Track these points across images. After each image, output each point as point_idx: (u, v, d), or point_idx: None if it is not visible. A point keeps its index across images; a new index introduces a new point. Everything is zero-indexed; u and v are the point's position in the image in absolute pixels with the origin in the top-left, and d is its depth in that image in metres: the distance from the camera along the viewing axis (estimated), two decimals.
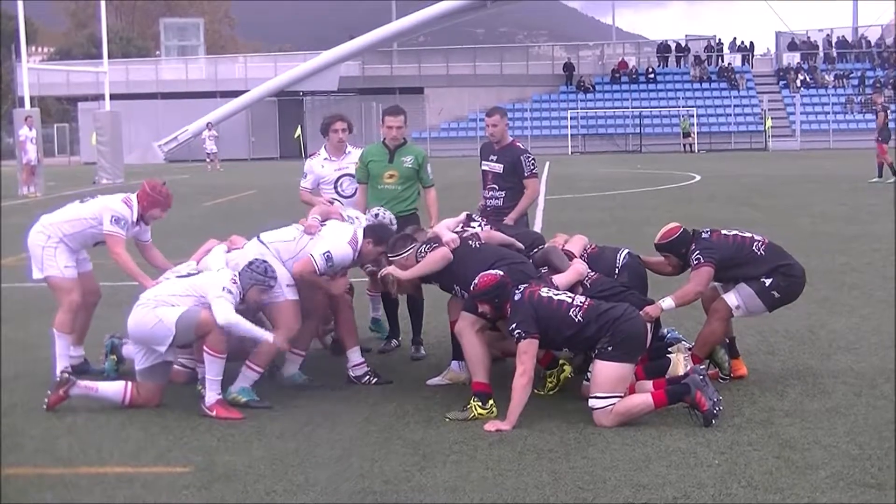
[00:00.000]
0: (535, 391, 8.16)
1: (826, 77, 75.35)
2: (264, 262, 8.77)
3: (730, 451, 7.08)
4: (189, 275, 8.95)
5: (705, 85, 76.22)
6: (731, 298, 8.93)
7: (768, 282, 8.85)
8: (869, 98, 54.62)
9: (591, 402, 7.83)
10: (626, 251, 9.41)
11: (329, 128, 10.97)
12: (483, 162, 11.42)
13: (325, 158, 11.05)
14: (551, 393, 8.57)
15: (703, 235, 9.03)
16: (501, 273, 8.24)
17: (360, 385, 9.05)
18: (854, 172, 34.76)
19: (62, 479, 6.82)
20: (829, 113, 70.89)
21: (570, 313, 7.92)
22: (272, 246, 9.14)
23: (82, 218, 9.76)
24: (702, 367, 8.43)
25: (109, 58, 51.24)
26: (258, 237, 9.28)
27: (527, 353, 7.87)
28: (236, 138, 71.27)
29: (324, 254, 8.97)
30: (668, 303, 8.60)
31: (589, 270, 8.94)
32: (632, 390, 7.99)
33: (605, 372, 7.80)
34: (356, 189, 10.85)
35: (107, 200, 9.80)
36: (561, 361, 8.40)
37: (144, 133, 69.36)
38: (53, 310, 12.68)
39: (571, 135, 68.17)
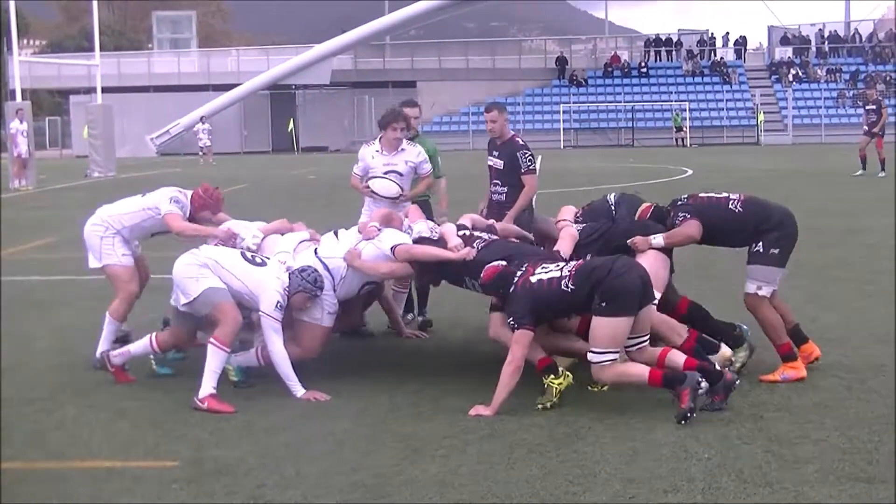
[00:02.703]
0: (539, 405, 8.11)
1: (818, 71, 75.43)
2: (316, 271, 8.89)
3: (719, 444, 7.08)
4: (252, 253, 9.12)
5: (698, 79, 76.29)
6: (749, 286, 8.92)
7: (760, 246, 8.86)
8: (862, 92, 54.58)
9: (590, 357, 7.93)
10: (614, 193, 9.56)
11: (388, 125, 10.87)
12: (488, 157, 11.51)
13: (377, 151, 11.01)
14: (549, 406, 8.14)
15: (679, 202, 9.14)
16: (504, 263, 8.38)
17: (349, 379, 9.02)
18: (845, 167, 34.78)
19: (51, 474, 6.81)
20: (820, 107, 71.00)
21: (562, 286, 7.98)
22: (330, 263, 9.17)
23: (142, 209, 9.91)
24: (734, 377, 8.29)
25: (101, 51, 51.17)
26: (315, 251, 9.32)
27: (519, 342, 7.94)
28: (229, 131, 71.18)
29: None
30: (657, 240, 8.73)
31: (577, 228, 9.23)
32: (663, 356, 8.04)
33: (602, 328, 7.85)
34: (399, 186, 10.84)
35: (165, 190, 10.03)
36: (562, 369, 8.32)
37: (137, 126, 69.21)
38: (44, 303, 12.69)
39: (564, 129, 68.19)
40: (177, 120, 70.98)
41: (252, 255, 9.06)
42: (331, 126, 74.55)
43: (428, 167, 11.05)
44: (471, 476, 6.59)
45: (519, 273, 8.24)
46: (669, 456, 6.88)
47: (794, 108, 70.44)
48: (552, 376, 8.14)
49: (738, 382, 7.97)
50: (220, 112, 69.74)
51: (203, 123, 60.37)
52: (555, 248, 9.01)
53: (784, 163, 43.09)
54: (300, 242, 9.58)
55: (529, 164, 11.10)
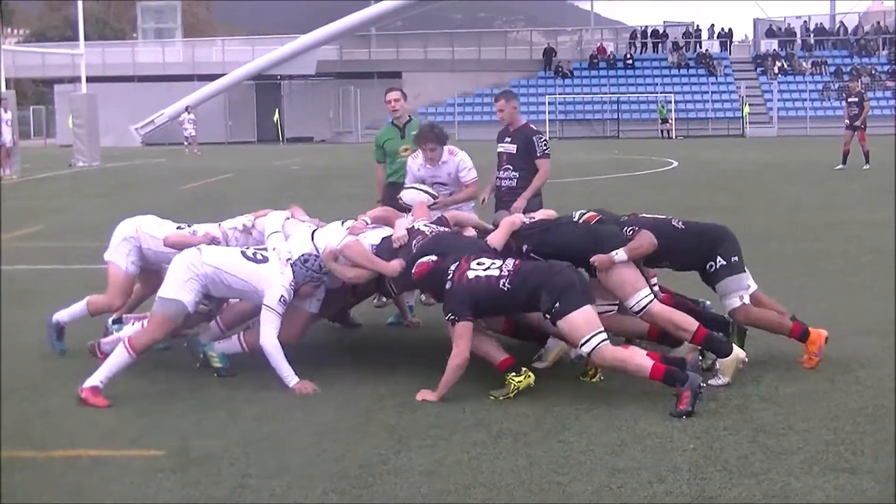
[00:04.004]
0: (492, 396, 8.10)
1: (803, 64, 75.59)
2: (318, 258, 8.92)
3: (705, 435, 7.09)
4: (254, 250, 9.05)
5: (683, 71, 76.40)
6: (732, 302, 8.87)
7: (719, 261, 8.82)
8: (845, 85, 54.68)
9: (583, 350, 7.92)
10: (580, 210, 9.40)
11: (422, 145, 10.99)
12: (499, 144, 11.74)
13: (422, 164, 11.13)
14: (501, 399, 8.08)
15: (622, 218, 9.13)
16: (434, 259, 8.44)
17: (334, 369, 8.99)
18: (830, 159, 34.83)
19: (34, 463, 6.78)
20: (805, 100, 71.19)
21: (500, 285, 8.02)
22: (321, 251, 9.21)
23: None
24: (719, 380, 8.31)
25: (86, 40, 50.95)
26: (311, 235, 9.32)
27: (461, 336, 8.01)
28: (214, 122, 71.14)
29: (371, 245, 9.14)
30: (620, 255, 8.45)
31: (524, 219, 9.09)
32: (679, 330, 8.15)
33: (572, 325, 7.85)
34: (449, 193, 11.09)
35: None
36: (524, 370, 8.24)
37: (121, 116, 69.01)
38: (28, 293, 12.63)
39: (549, 120, 68.18)
40: (161, 110, 70.86)
41: (253, 254, 8.99)
42: (316, 117, 74.56)
43: (470, 176, 11.07)
44: (456, 466, 6.58)
45: (452, 268, 8.25)
46: (655, 447, 6.88)
47: (779, 100, 70.65)
48: (513, 374, 8.13)
49: (704, 385, 7.81)
50: (205, 102, 69.59)
51: (188, 113, 60.27)
52: (486, 239, 8.89)
53: (768, 155, 43.17)
54: (286, 220, 9.63)
55: (545, 147, 11.46)
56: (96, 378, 8.24)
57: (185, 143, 58.40)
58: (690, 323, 8.44)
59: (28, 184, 34.19)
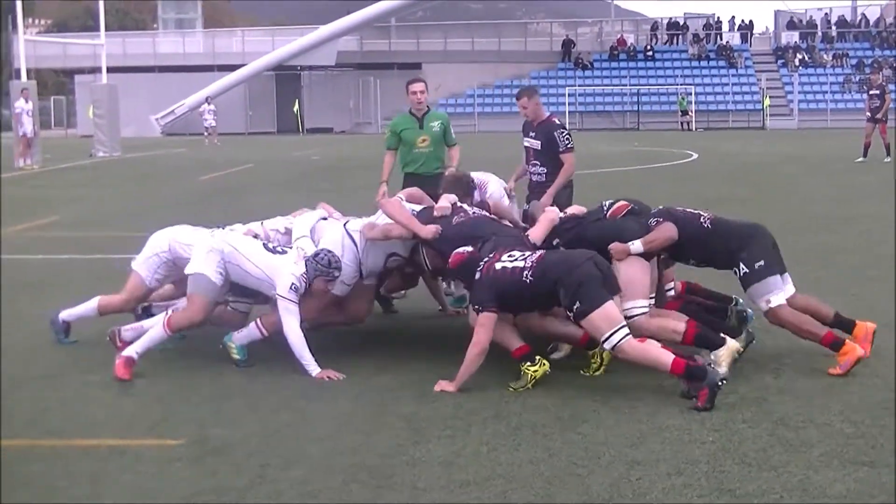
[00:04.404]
0: (511, 388, 8.10)
1: (824, 56, 75.27)
2: (330, 252, 8.94)
3: (724, 428, 7.06)
4: (274, 245, 9.23)
5: (703, 63, 76.11)
6: (760, 305, 8.76)
7: (743, 268, 8.68)
8: (867, 77, 54.46)
9: (605, 346, 7.93)
10: (609, 200, 9.44)
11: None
12: (524, 139, 11.85)
13: None
14: (521, 390, 8.09)
15: (653, 210, 9.09)
16: (469, 250, 8.48)
17: (352, 359, 8.98)
18: (850, 152, 34.68)
19: (53, 451, 6.80)
20: (826, 92, 70.85)
21: (523, 276, 8.04)
22: (355, 236, 9.31)
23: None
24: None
25: (106, 30, 51.06)
26: (345, 226, 9.43)
27: (483, 325, 8.04)
28: (234, 112, 71.10)
29: (411, 209, 9.33)
30: (636, 246, 8.51)
31: (559, 215, 9.20)
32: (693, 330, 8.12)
33: (592, 325, 7.87)
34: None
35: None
36: (539, 357, 8.25)
37: (141, 106, 69.03)
38: (45, 282, 12.69)
39: (569, 112, 68.03)
40: (181, 100, 70.92)
41: (273, 247, 9.15)
42: (336, 107, 74.48)
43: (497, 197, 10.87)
44: (474, 457, 6.57)
45: (485, 259, 8.32)
46: (673, 439, 6.87)
47: (799, 92, 70.31)
48: (528, 363, 8.15)
49: (724, 382, 7.75)
50: (225, 93, 69.63)
51: (209, 104, 60.41)
52: (527, 233, 9.06)
53: (788, 148, 43.03)
54: (318, 221, 9.70)
55: (567, 142, 11.50)
56: (133, 349, 8.59)
57: (206, 133, 58.52)
58: (678, 325, 8.45)
59: (48, 174, 34.31)
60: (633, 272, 8.51)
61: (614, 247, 8.53)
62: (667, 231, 8.63)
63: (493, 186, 11.04)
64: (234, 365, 8.89)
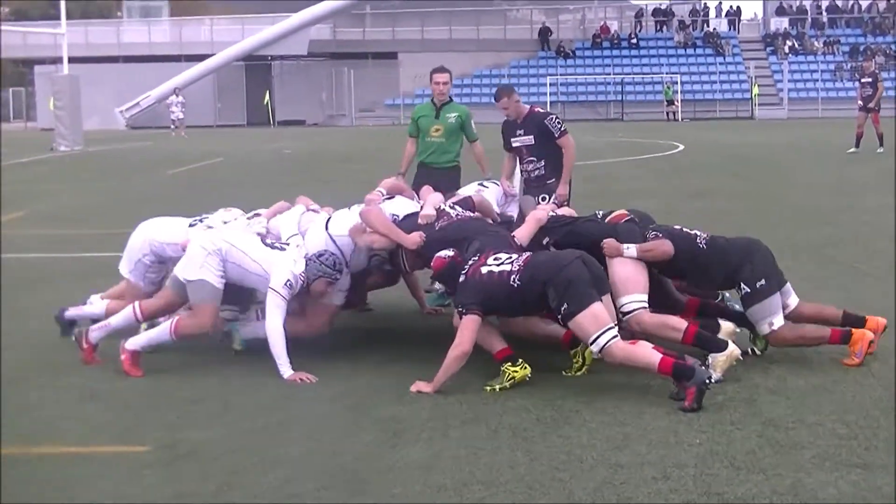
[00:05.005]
0: (488, 387, 8.14)
1: (815, 43, 75.46)
2: (333, 255, 9.04)
3: (712, 430, 7.09)
4: (273, 243, 9.24)
5: (690, 51, 76.27)
6: (762, 328, 8.80)
7: (743, 289, 8.80)
8: (859, 65, 54.60)
9: (592, 349, 7.97)
10: (601, 210, 9.60)
11: None
12: (512, 139, 11.89)
13: None
14: (500, 389, 8.13)
15: (652, 225, 9.21)
16: (451, 254, 8.56)
17: (330, 360, 8.99)
18: (842, 142, 34.79)
19: (14, 459, 6.77)
20: (817, 80, 71.05)
21: (511, 280, 8.09)
22: (340, 239, 9.33)
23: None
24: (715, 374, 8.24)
25: (68, 19, 50.83)
26: (326, 226, 9.48)
27: (467, 328, 8.06)
28: (202, 104, 70.91)
29: (392, 214, 9.39)
30: (630, 251, 8.61)
31: (549, 213, 9.29)
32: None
33: (582, 326, 7.90)
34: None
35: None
36: (521, 361, 8.24)
37: (105, 98, 68.77)
38: (9, 282, 12.63)
39: (550, 102, 68.04)
40: (147, 92, 70.68)
41: (272, 242, 9.20)
42: (308, 99, 74.38)
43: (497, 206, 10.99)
44: (453, 461, 6.59)
45: (470, 263, 8.39)
46: (659, 442, 6.88)
47: (789, 81, 70.50)
48: (509, 363, 8.19)
49: (711, 381, 7.77)
50: (192, 84, 69.44)
51: (177, 96, 60.29)
52: (512, 234, 9.11)
53: (778, 138, 43.15)
54: (301, 216, 9.73)
55: (560, 125, 11.63)
56: (137, 343, 8.70)
57: (172, 126, 58.39)
58: (679, 323, 8.51)
59: (8, 169, 34.13)
60: (628, 269, 8.61)
61: (608, 243, 8.63)
62: (664, 245, 8.75)
63: (489, 191, 11.16)
64: (233, 353, 9.19)
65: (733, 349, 8.34)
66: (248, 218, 9.87)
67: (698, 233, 9.10)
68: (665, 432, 7.05)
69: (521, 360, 8.21)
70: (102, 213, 20.19)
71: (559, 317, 8.03)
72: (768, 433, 7.00)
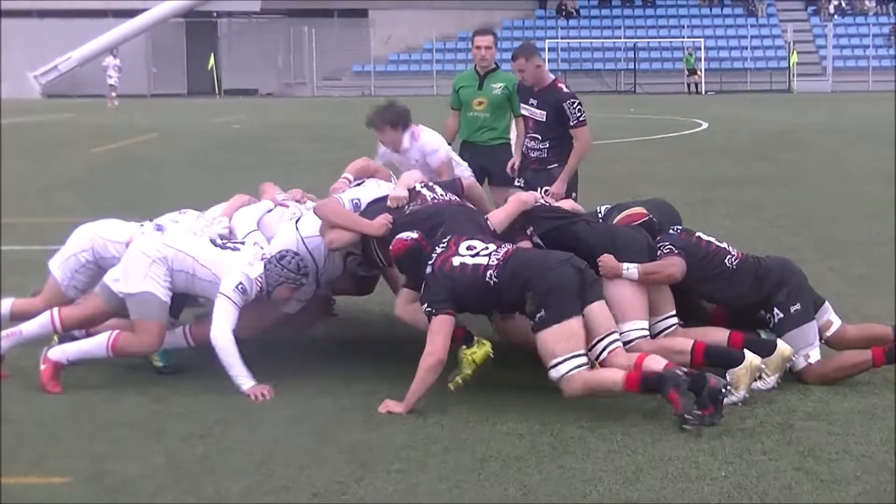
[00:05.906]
0: (451, 384, 8.19)
1: (866, 2, 75.57)
2: (297, 256, 9.04)
3: (739, 460, 7.12)
4: (223, 240, 9.34)
5: (716, 10, 76.39)
6: (797, 362, 8.76)
7: (777, 314, 8.82)
8: None
9: (551, 374, 7.97)
10: (605, 205, 9.60)
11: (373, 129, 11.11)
12: (522, 105, 11.96)
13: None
14: (462, 382, 8.27)
15: (671, 230, 9.14)
16: (415, 237, 8.58)
17: (287, 377, 9.00)
18: None
19: None
20: (868, 47, 71.16)
21: (486, 276, 8.14)
22: (311, 242, 9.38)
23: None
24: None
25: None
26: (296, 224, 9.56)
27: (438, 332, 8.09)
28: (133, 69, 70.65)
29: (352, 199, 9.45)
30: (630, 271, 8.58)
31: (538, 198, 9.35)
32: (640, 362, 8.06)
33: (550, 341, 7.94)
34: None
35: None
36: (477, 338, 8.40)
37: (17, 60, 68.63)
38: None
39: (550, 70, 67.95)
40: (67, 53, 70.47)
41: (223, 242, 9.23)
42: (261, 64, 74.27)
43: (436, 159, 11.01)
44: (433, 496, 6.60)
45: (438, 250, 8.39)
46: (677, 474, 6.91)
47: (834, 47, 70.61)
48: (464, 346, 8.26)
49: (727, 389, 7.83)
50: (121, 44, 69.25)
51: (114, 57, 60.24)
52: (487, 216, 9.11)
53: (820, 115, 43.25)
54: (264, 215, 9.80)
55: (580, 114, 11.60)
56: (63, 353, 8.72)
57: (112, 94, 58.22)
58: (683, 344, 8.53)
59: None
60: (625, 292, 8.61)
61: (605, 260, 8.58)
62: (671, 268, 8.74)
63: (427, 137, 11.08)
64: (156, 373, 9.00)
65: (752, 358, 8.28)
66: (210, 221, 9.84)
67: (729, 249, 9.06)
68: (684, 463, 7.08)
69: (476, 338, 8.29)
70: (23, 199, 20.06)
71: (532, 323, 8.05)
72: (807, 465, 7.02)
